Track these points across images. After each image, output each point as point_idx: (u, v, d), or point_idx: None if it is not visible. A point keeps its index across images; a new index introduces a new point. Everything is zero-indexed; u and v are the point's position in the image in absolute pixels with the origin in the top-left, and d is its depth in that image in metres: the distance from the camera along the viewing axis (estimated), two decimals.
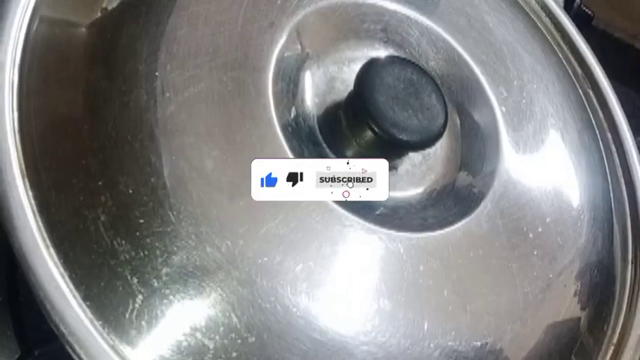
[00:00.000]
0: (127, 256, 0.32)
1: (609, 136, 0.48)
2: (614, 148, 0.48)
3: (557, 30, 0.51)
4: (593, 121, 0.48)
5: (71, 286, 0.32)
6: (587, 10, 0.61)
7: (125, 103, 0.35)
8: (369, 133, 0.38)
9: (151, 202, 0.33)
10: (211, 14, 0.38)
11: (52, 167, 0.33)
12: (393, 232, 0.37)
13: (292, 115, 0.39)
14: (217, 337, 0.32)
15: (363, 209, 0.38)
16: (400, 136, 0.38)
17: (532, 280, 0.40)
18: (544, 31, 0.51)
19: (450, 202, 0.40)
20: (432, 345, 0.36)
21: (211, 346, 0.32)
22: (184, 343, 0.32)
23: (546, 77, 0.47)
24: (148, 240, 0.33)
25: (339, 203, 0.37)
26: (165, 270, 0.32)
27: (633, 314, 0.43)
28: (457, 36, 0.44)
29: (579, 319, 0.41)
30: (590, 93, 0.50)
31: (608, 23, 0.78)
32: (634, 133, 0.47)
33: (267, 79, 0.38)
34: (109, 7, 0.37)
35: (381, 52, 0.41)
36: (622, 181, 0.47)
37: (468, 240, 0.39)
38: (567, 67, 0.50)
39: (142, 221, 0.33)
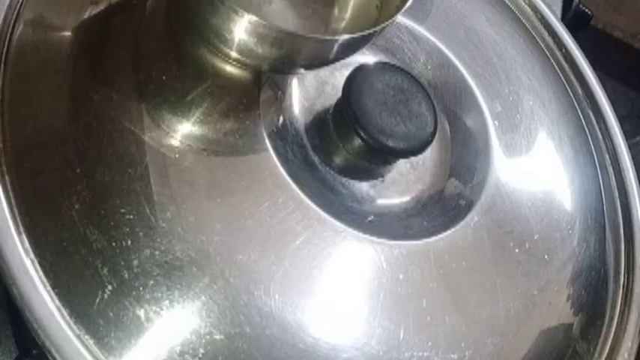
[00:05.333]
0: (99, 246, 0.32)
1: (604, 147, 0.48)
2: (608, 160, 0.47)
3: (558, 48, 0.50)
4: (591, 141, 0.48)
5: (41, 272, 0.31)
6: (586, 10, 0.61)
7: (108, 93, 0.34)
8: (356, 139, 0.38)
9: (126, 193, 0.33)
10: None
11: (30, 153, 0.33)
12: (373, 239, 0.37)
13: (279, 117, 0.38)
14: (185, 332, 0.32)
15: (353, 217, 0.38)
16: (387, 143, 0.37)
17: (515, 296, 0.39)
18: (544, 48, 0.50)
19: (437, 211, 0.40)
20: (406, 354, 0.35)
21: (178, 341, 0.32)
22: (151, 337, 0.32)
23: (543, 95, 0.47)
24: (121, 231, 0.32)
25: (326, 209, 0.36)
26: (136, 262, 0.32)
27: (626, 319, 0.42)
28: (453, 47, 0.44)
29: (571, 326, 0.41)
30: (590, 114, 0.50)
31: (608, 22, 0.78)
32: (633, 132, 0.46)
33: (256, 79, 0.38)
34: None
35: (373, 59, 0.41)
36: (615, 190, 0.46)
37: (451, 251, 0.38)
38: (567, 85, 0.49)
39: (116, 212, 0.33)
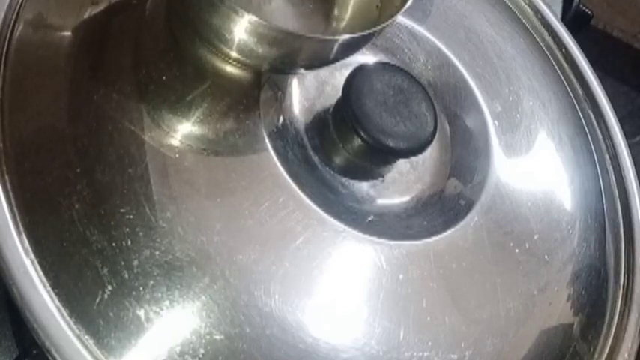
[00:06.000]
0: (99, 246, 0.32)
1: (604, 147, 0.48)
2: (608, 160, 0.47)
3: (558, 48, 0.50)
4: (591, 141, 0.48)
5: (41, 272, 0.31)
6: (586, 10, 0.61)
7: (108, 93, 0.34)
8: (356, 139, 0.38)
9: (126, 193, 0.33)
10: None
11: (30, 153, 0.33)
12: (374, 239, 0.37)
13: (279, 117, 0.38)
14: (185, 332, 0.32)
15: (353, 217, 0.38)
16: (387, 143, 0.37)
17: (515, 296, 0.39)
18: (544, 48, 0.50)
19: (437, 212, 0.40)
20: (406, 354, 0.35)
21: (178, 341, 0.32)
22: (151, 337, 0.32)
23: (543, 95, 0.47)
24: (122, 231, 0.32)
25: (326, 209, 0.36)
26: (136, 262, 0.32)
27: (626, 319, 0.42)
28: (453, 47, 0.44)
29: (571, 326, 0.41)
30: (590, 114, 0.50)
31: (608, 23, 0.78)
32: (633, 132, 0.46)
33: (256, 79, 0.38)
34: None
35: (373, 59, 0.41)
36: (615, 190, 0.46)
37: (451, 251, 0.38)
38: (567, 85, 0.49)
39: (116, 212, 0.33)
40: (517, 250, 0.40)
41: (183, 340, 0.32)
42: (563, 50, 0.50)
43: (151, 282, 0.32)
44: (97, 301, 0.31)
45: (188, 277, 0.33)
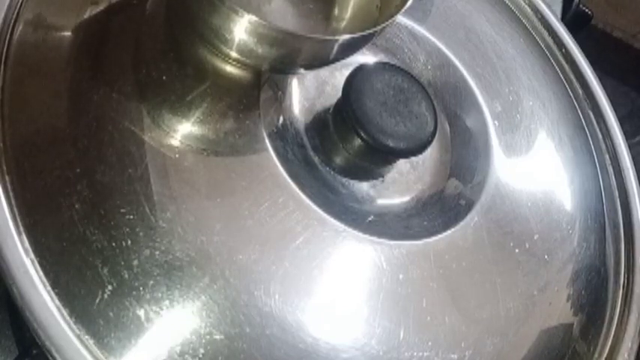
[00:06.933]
0: (99, 246, 0.32)
1: (604, 147, 0.48)
2: (608, 160, 0.47)
3: (558, 48, 0.50)
4: (591, 140, 0.48)
5: (41, 272, 0.31)
6: (586, 10, 0.61)
7: (108, 93, 0.34)
8: (356, 139, 0.38)
9: (126, 193, 0.33)
10: None
11: (30, 153, 0.33)
12: (374, 239, 0.37)
13: (279, 117, 0.38)
14: (185, 332, 0.32)
15: (353, 217, 0.38)
16: (386, 143, 0.37)
17: (515, 296, 0.39)
18: (544, 48, 0.50)
19: (437, 211, 0.40)
20: (406, 354, 0.35)
21: (178, 341, 0.32)
22: (151, 337, 0.32)
23: (543, 94, 0.47)
24: (122, 231, 0.32)
25: (326, 209, 0.36)
26: (136, 262, 0.32)
27: (626, 319, 0.42)
28: (453, 47, 0.44)
29: (571, 326, 0.41)
30: (590, 114, 0.50)
31: (608, 23, 0.78)
32: (633, 132, 0.46)
33: (256, 79, 0.38)
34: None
35: (373, 59, 0.41)
36: (615, 190, 0.46)
37: (451, 251, 0.38)
38: (567, 85, 0.49)
39: (116, 212, 0.33)
40: (517, 250, 0.40)
41: (183, 340, 0.32)
42: (563, 50, 0.50)
43: (151, 282, 0.32)
44: (97, 301, 0.31)
45: (188, 277, 0.33)
